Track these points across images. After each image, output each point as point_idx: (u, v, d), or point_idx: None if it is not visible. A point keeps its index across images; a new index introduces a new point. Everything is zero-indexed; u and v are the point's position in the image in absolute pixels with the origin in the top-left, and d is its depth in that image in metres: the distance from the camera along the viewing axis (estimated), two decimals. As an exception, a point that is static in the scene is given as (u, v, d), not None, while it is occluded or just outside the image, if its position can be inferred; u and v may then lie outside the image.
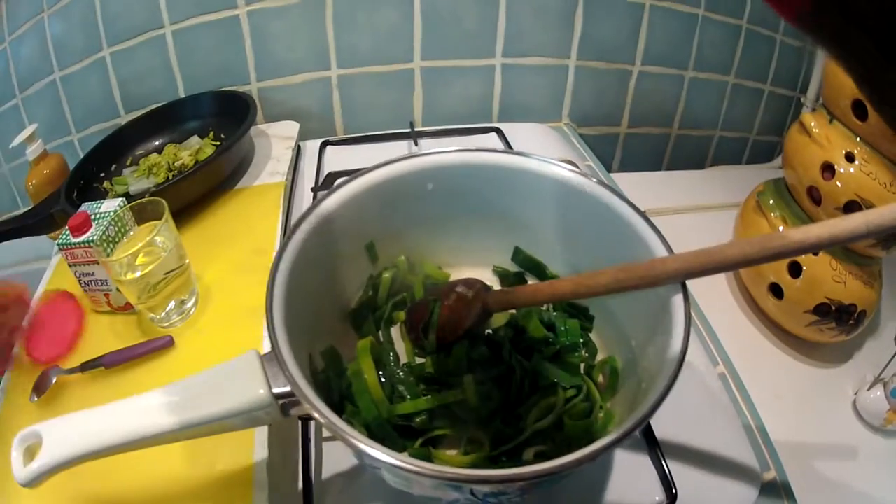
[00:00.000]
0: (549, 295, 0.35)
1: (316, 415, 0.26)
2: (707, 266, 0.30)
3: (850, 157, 0.47)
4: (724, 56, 0.80)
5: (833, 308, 0.49)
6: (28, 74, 0.72)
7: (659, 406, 0.26)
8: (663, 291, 0.32)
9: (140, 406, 0.30)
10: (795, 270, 0.51)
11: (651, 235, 0.34)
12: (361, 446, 0.25)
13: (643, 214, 0.35)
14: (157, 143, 0.66)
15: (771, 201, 0.55)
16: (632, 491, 0.36)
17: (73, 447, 0.28)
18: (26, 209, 0.57)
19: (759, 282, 0.54)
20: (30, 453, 0.29)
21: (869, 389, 0.49)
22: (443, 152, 0.40)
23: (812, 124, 0.51)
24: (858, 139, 0.47)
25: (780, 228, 0.53)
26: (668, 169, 0.90)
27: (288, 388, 0.29)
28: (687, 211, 0.69)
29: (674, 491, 0.35)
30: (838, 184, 0.48)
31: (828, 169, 0.49)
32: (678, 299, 0.31)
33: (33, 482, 0.28)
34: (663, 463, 0.37)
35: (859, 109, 0.47)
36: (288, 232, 0.35)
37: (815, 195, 0.51)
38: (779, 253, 0.28)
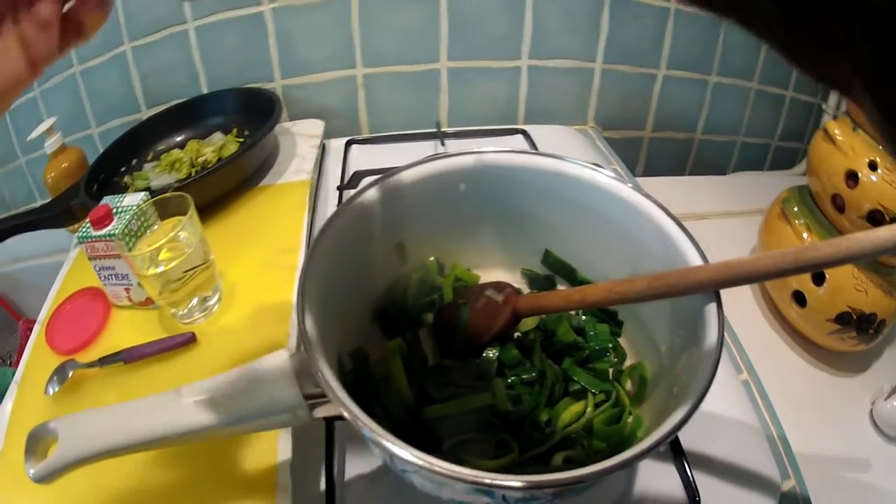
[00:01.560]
0: (579, 301, 0.35)
1: (350, 418, 0.25)
2: (740, 276, 0.30)
3: (873, 166, 0.47)
4: (748, 61, 0.79)
5: (854, 317, 0.49)
6: (47, 67, 0.71)
7: (693, 414, 0.26)
8: (696, 299, 0.32)
9: (164, 403, 0.29)
10: (818, 279, 0.50)
11: (686, 243, 0.34)
12: (395, 450, 0.24)
13: (678, 221, 0.35)
14: (178, 138, 0.66)
15: (795, 209, 0.55)
16: (656, 496, 0.36)
17: (90, 444, 0.28)
18: (44, 202, 0.57)
19: (783, 289, 0.54)
20: (44, 448, 0.28)
21: (886, 399, 0.48)
22: (475, 153, 0.40)
23: (836, 132, 0.50)
24: (881, 147, 0.47)
25: (805, 236, 0.53)
26: (691, 174, 0.89)
27: (318, 390, 0.28)
28: (710, 217, 0.69)
29: (697, 499, 0.35)
30: (862, 192, 0.47)
31: (851, 177, 0.48)
32: (712, 308, 0.31)
33: (47, 478, 0.27)
34: (687, 470, 0.36)
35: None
36: (319, 229, 0.34)
37: (838, 203, 0.50)
38: (812, 265, 0.28)
